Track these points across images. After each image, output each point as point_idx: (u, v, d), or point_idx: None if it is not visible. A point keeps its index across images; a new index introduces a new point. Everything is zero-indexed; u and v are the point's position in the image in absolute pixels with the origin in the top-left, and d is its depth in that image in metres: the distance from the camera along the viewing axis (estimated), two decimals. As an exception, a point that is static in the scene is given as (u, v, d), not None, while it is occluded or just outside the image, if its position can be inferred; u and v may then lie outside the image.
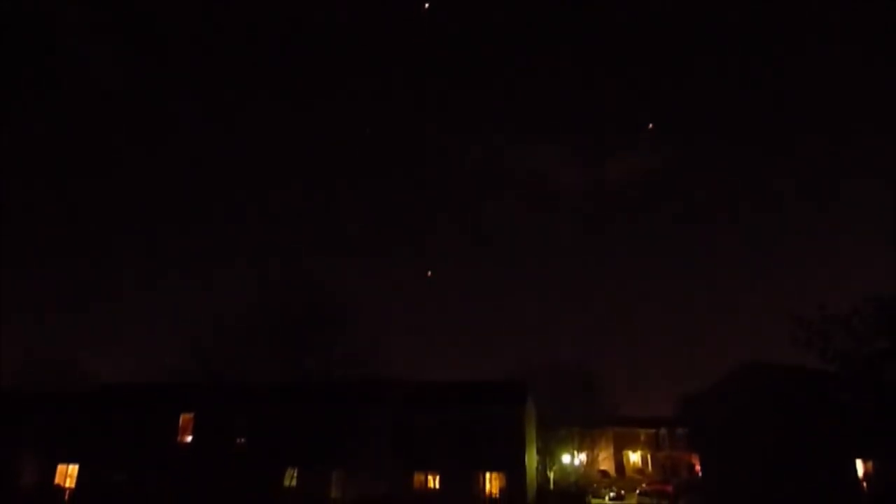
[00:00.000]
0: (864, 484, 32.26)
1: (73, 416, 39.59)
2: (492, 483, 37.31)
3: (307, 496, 36.86)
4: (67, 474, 38.48)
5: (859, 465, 32.39)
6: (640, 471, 65.67)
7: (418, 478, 37.64)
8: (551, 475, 51.98)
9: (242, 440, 38.82)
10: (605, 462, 65.69)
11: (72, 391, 42.87)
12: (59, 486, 38.02)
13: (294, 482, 37.91)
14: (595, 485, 56.14)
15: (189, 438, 39.17)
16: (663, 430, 64.92)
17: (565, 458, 54.19)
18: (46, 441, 38.83)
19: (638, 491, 51.07)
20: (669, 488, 49.83)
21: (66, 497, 37.48)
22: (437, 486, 37.23)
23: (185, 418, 39.43)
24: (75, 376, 45.98)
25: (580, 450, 58.40)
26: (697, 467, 48.39)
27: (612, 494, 50.64)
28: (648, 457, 67.04)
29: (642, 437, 67.01)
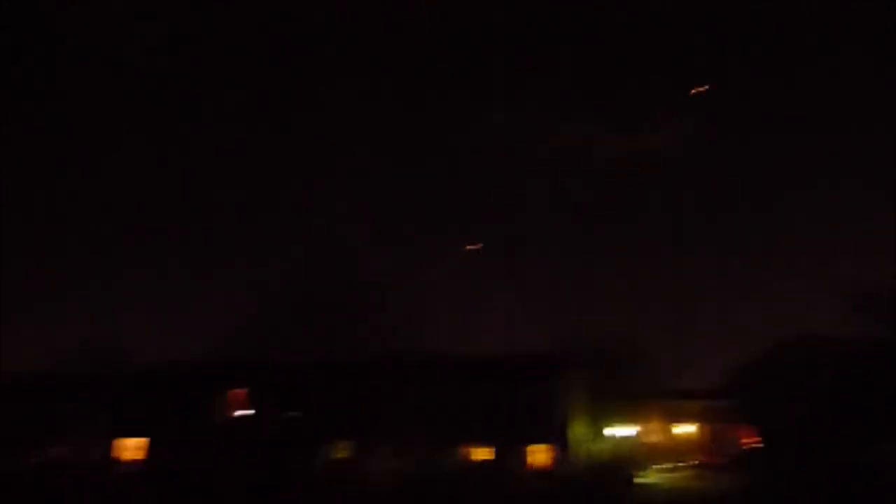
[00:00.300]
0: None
1: (133, 393, 41.21)
2: (538, 456, 37.60)
3: (359, 469, 37.67)
4: (132, 447, 40.15)
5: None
6: (692, 443, 65.08)
7: (466, 451, 38.12)
8: (597, 448, 51.88)
9: (295, 414, 39.88)
10: (655, 434, 65.24)
11: (129, 370, 44.45)
12: (122, 459, 39.70)
13: (346, 455, 38.91)
14: (644, 457, 55.91)
15: (242, 413, 40.39)
16: (715, 402, 64.01)
17: (613, 431, 54.01)
18: (109, 417, 40.51)
19: (689, 464, 50.70)
20: (722, 461, 49.30)
21: (130, 470, 39.05)
22: (484, 458, 37.70)
23: (236, 394, 40.65)
24: (129, 356, 47.54)
25: (629, 422, 58.10)
26: (750, 439, 47.84)
27: (662, 467, 50.33)
28: (700, 429, 66.33)
29: (693, 410, 66.22)
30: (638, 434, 62.25)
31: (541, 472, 36.93)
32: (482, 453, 38.13)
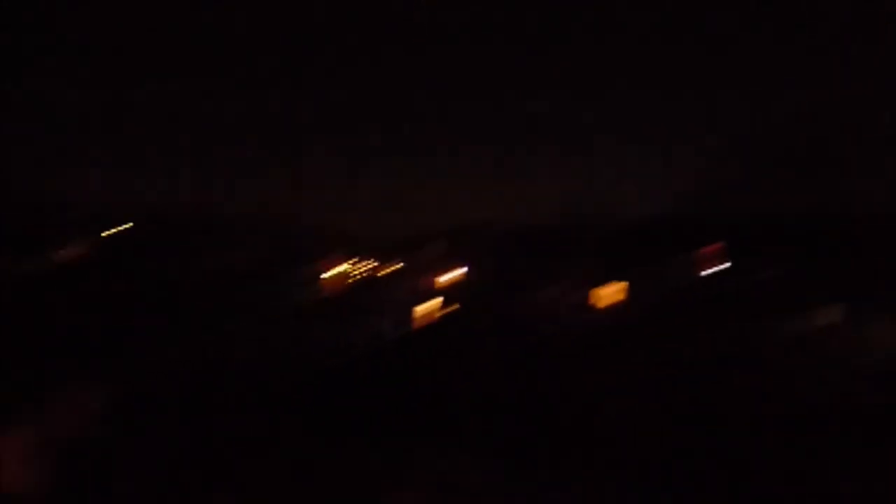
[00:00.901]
0: None
1: (611, 246, 43.10)
2: None
3: (849, 339, 32.73)
4: (607, 295, 41.95)
5: None
6: None
7: None
8: None
9: (777, 272, 36.45)
10: None
11: (609, 224, 46.30)
12: (599, 305, 41.86)
13: (835, 322, 34.04)
14: None
15: (717, 269, 38.80)
16: None
17: None
18: (590, 267, 43.00)
19: None
20: None
21: (608, 311, 41.04)
22: None
23: (712, 247, 39.04)
24: (610, 210, 49.42)
25: None
26: None
27: None
28: None
29: None
30: None
31: None
32: None
